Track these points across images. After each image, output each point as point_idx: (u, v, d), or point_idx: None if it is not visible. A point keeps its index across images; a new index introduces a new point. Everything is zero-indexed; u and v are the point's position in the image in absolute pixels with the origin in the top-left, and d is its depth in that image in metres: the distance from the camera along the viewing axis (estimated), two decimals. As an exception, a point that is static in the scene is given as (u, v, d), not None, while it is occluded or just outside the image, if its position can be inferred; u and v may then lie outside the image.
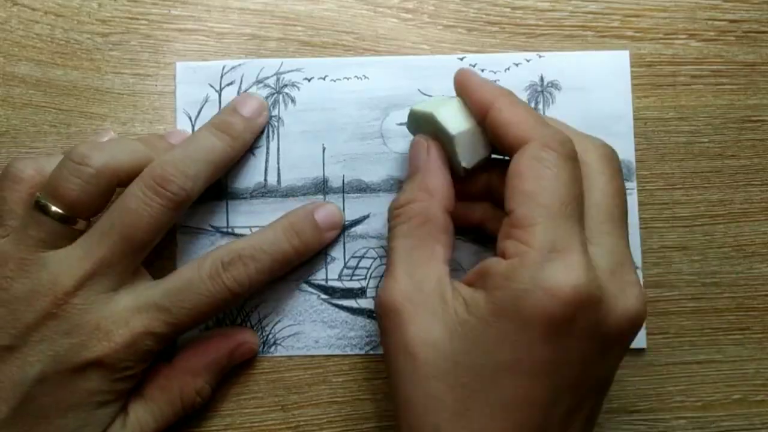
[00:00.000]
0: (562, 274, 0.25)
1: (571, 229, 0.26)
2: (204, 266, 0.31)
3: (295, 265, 0.34)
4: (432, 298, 0.27)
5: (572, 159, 0.28)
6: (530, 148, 0.28)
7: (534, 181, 0.27)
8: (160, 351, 0.31)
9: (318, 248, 0.34)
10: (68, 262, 0.29)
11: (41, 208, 0.29)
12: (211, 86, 0.35)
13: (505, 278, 0.26)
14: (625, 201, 0.29)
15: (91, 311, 0.29)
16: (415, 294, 0.28)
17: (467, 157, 0.30)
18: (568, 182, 0.27)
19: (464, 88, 0.30)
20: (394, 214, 0.30)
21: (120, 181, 0.31)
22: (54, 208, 0.29)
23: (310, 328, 0.35)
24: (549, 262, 0.25)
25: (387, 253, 0.30)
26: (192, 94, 0.35)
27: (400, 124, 0.35)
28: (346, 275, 0.35)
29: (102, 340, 0.29)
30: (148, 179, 0.30)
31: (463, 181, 0.31)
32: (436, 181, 0.30)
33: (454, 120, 0.30)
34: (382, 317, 0.28)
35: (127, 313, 0.30)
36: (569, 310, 0.25)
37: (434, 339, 0.27)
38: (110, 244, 0.30)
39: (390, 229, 0.30)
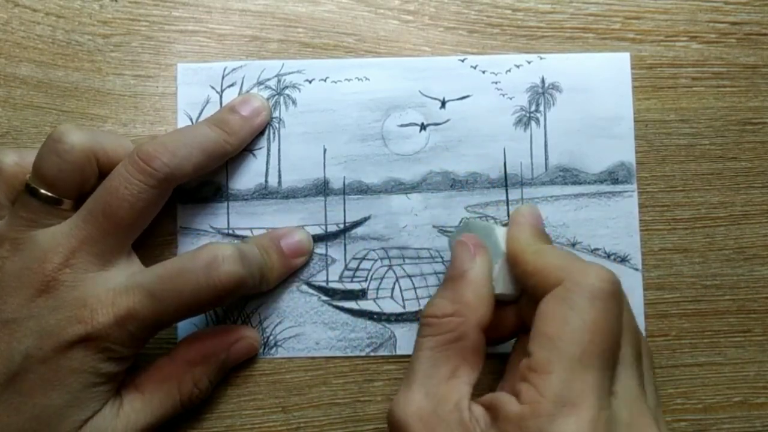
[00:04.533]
0: None
1: (590, 380, 0.25)
2: (200, 257, 0.30)
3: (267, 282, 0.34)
4: (446, 423, 0.26)
5: (606, 298, 0.26)
6: (559, 289, 0.27)
7: (556, 325, 0.26)
8: (145, 339, 0.30)
9: (284, 273, 0.34)
10: (56, 239, 0.30)
11: (31, 191, 0.30)
12: (213, 88, 0.35)
13: (515, 425, 0.25)
14: (637, 337, 0.28)
15: (78, 288, 0.30)
16: (429, 415, 0.27)
17: (500, 284, 0.30)
18: (595, 326, 0.26)
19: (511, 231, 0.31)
20: (426, 322, 0.29)
21: (100, 163, 0.31)
22: (42, 191, 0.30)
23: (311, 330, 0.35)
24: (560, 417, 0.24)
25: (411, 359, 0.29)
26: (193, 96, 0.35)
27: (402, 126, 0.35)
28: (347, 277, 0.35)
29: (86, 318, 0.29)
30: (133, 156, 0.30)
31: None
32: (478, 297, 0.29)
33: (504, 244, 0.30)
34: (392, 431, 0.28)
35: (114, 293, 0.30)
36: None
37: None
38: (95, 222, 0.30)
39: (419, 335, 0.29)
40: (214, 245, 0.31)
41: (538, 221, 0.31)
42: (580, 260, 0.28)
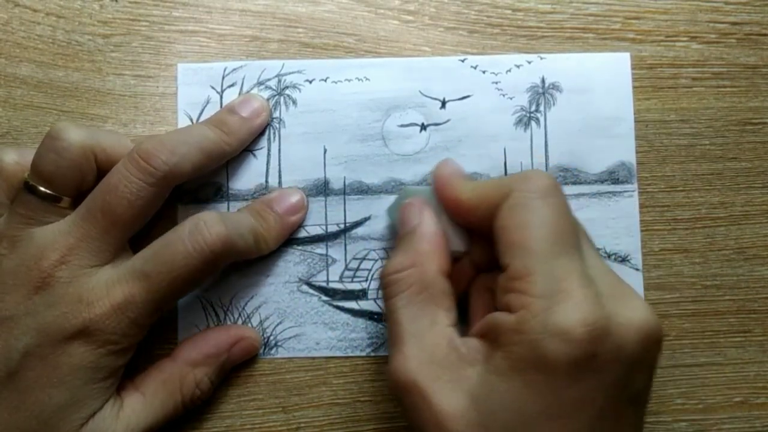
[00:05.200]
0: (571, 315, 0.25)
1: (568, 265, 0.26)
2: (183, 226, 0.30)
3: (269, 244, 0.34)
4: (447, 367, 0.27)
5: (553, 192, 0.28)
6: (509, 200, 0.28)
7: (520, 231, 0.27)
8: (146, 327, 0.30)
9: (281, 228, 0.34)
10: (54, 237, 0.30)
11: (29, 188, 0.30)
12: (213, 88, 0.35)
13: (516, 332, 0.26)
14: (579, 223, 0.29)
15: (74, 284, 0.30)
16: (428, 367, 0.27)
17: (456, 242, 0.30)
18: (552, 219, 0.27)
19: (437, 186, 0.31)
20: (388, 281, 0.29)
21: (98, 161, 0.31)
22: (41, 188, 0.30)
23: (311, 330, 0.35)
24: (555, 306, 0.25)
25: (388, 325, 0.29)
26: (193, 96, 0.35)
27: (402, 126, 0.35)
28: (347, 277, 0.35)
29: (83, 311, 0.29)
30: (132, 155, 0.30)
31: None
32: (431, 244, 0.30)
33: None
34: (401, 395, 0.28)
35: (108, 284, 0.30)
36: (588, 348, 0.25)
37: (460, 409, 0.26)
38: (93, 219, 0.30)
39: (387, 298, 0.29)
40: (196, 214, 0.31)
41: (459, 169, 0.32)
42: (512, 174, 0.29)
